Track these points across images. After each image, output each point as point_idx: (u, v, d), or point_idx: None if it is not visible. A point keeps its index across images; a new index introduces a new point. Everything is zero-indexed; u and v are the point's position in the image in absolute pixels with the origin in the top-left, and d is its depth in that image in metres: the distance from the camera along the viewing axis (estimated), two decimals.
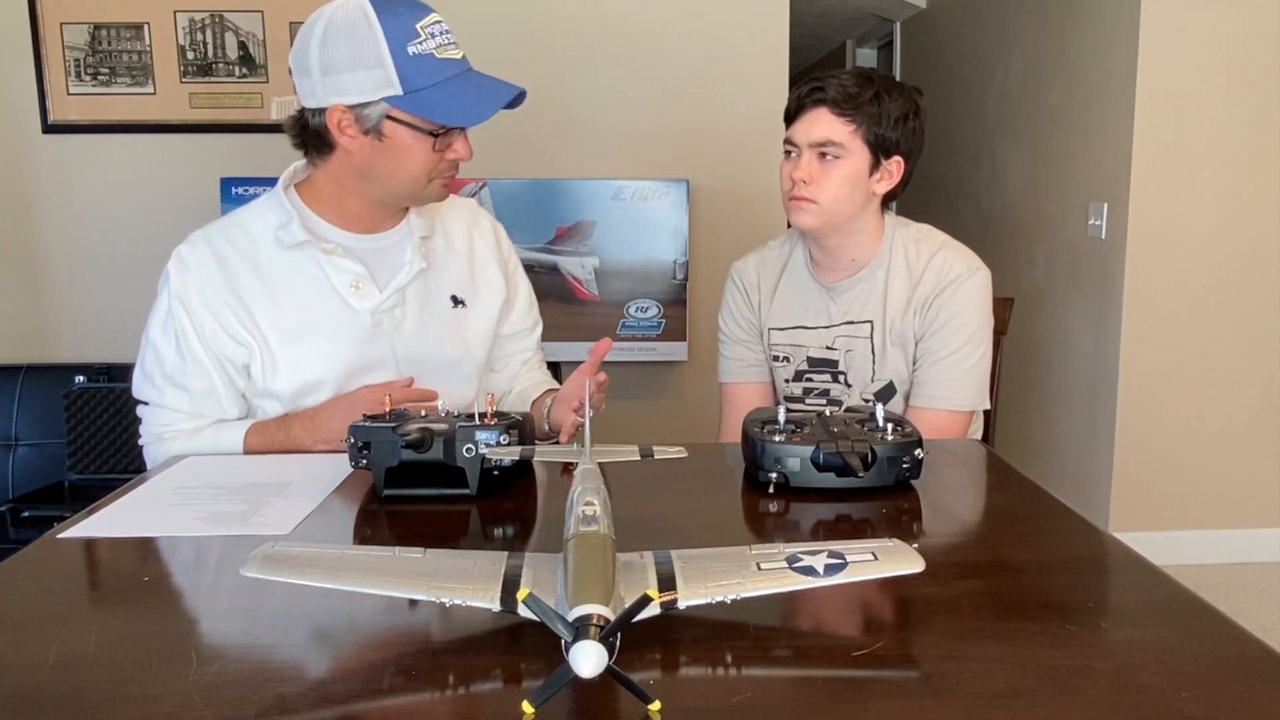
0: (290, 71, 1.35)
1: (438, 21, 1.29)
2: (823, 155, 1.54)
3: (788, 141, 1.58)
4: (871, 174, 1.56)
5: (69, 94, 2.87)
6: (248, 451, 1.34)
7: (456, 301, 1.47)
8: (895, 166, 1.57)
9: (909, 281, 1.59)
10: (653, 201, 2.90)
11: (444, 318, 1.45)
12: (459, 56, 1.30)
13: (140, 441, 1.41)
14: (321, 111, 1.30)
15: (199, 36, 2.88)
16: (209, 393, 1.36)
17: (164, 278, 1.36)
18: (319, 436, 1.29)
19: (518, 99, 1.32)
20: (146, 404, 1.40)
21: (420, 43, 1.25)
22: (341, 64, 1.26)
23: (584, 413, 1.16)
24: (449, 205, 1.54)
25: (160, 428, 1.38)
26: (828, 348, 1.64)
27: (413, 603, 0.77)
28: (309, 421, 1.31)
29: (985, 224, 4.01)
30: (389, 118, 1.28)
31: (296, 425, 1.32)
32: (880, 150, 1.54)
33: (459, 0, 2.88)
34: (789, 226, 1.63)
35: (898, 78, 5.23)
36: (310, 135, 1.35)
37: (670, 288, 2.94)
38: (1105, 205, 3.09)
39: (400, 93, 1.26)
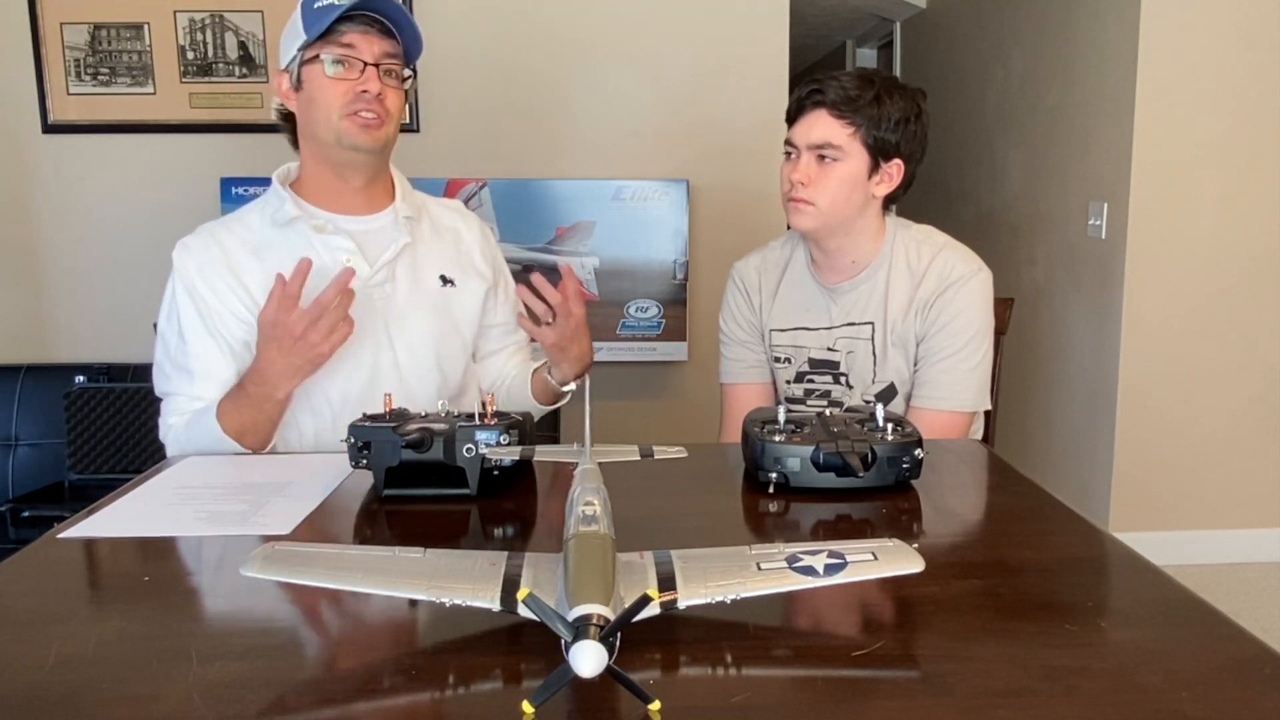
0: None
1: None
2: (821, 157, 1.53)
3: (788, 143, 1.58)
4: (870, 176, 1.56)
5: (69, 94, 2.87)
6: (226, 427, 1.34)
7: (445, 280, 1.53)
8: (895, 169, 1.57)
9: (910, 283, 1.59)
10: (653, 201, 2.90)
11: (433, 294, 1.51)
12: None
13: (160, 436, 1.44)
14: None
15: (199, 36, 2.88)
16: (206, 374, 1.40)
17: (171, 274, 1.43)
18: (277, 384, 1.31)
19: (408, 27, 1.40)
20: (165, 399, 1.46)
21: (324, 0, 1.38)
22: (281, 39, 1.44)
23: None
24: (435, 201, 1.62)
25: (172, 416, 1.42)
26: (829, 349, 1.64)
27: (413, 603, 0.77)
28: (258, 377, 1.31)
29: (985, 224, 4.01)
30: (302, 63, 1.40)
31: (250, 386, 1.33)
32: (879, 153, 1.54)
33: (459, 1, 2.89)
34: (789, 227, 1.63)
35: (898, 78, 5.21)
36: (287, 121, 1.48)
37: (670, 288, 2.94)
38: (1105, 205, 3.09)
39: (305, 37, 1.39)
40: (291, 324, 1.24)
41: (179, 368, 1.41)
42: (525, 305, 1.41)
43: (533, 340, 1.52)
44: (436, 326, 1.50)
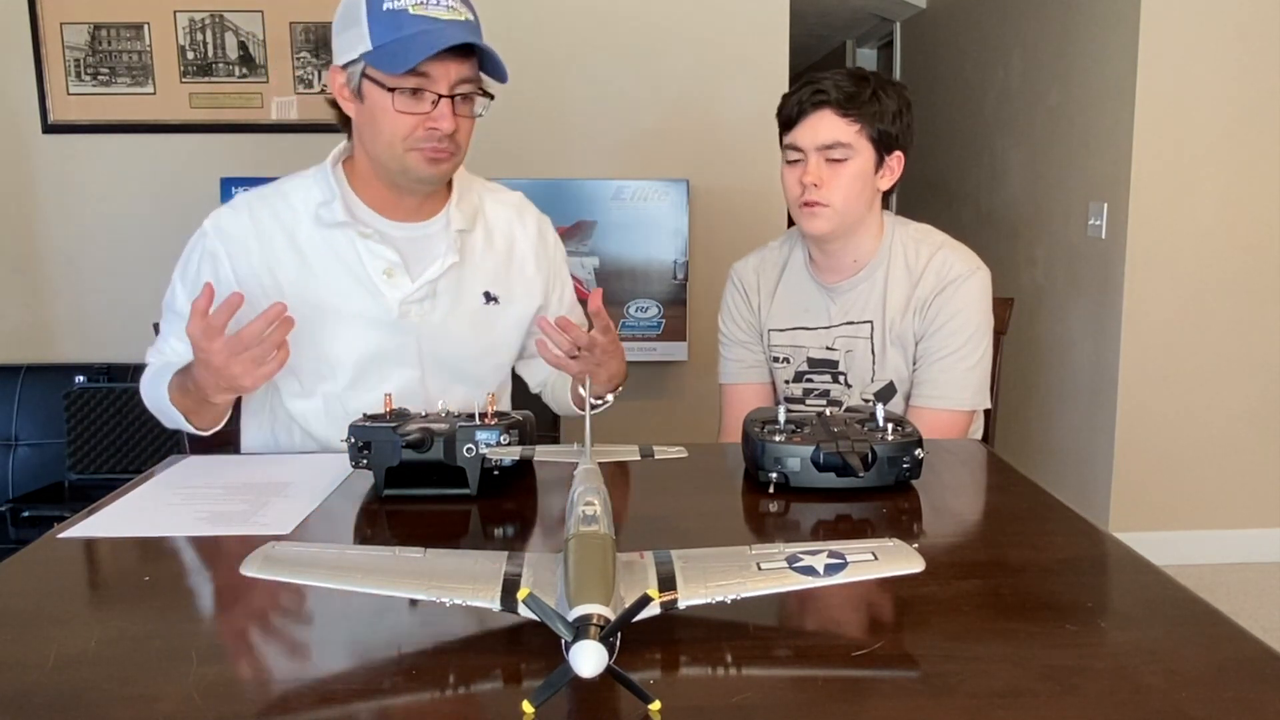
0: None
1: None
2: (830, 158, 1.53)
3: (792, 147, 1.56)
4: (876, 171, 1.56)
5: (69, 94, 2.87)
6: (174, 402, 1.30)
7: (489, 298, 1.45)
8: (896, 162, 1.57)
9: (909, 281, 1.59)
10: (653, 201, 2.90)
11: (474, 314, 1.44)
12: (443, 17, 1.26)
13: (146, 358, 1.43)
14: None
15: (199, 36, 2.88)
16: None
17: (199, 232, 1.38)
18: (210, 393, 1.24)
19: (490, 61, 1.29)
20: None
21: (396, 0, 1.25)
22: (339, 28, 1.31)
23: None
24: (494, 199, 1.52)
25: (152, 355, 1.41)
26: (828, 348, 1.64)
27: (413, 603, 0.77)
28: (194, 380, 1.24)
29: (985, 224, 4.01)
30: (365, 76, 1.28)
31: (189, 382, 1.26)
32: (883, 147, 1.54)
33: None
34: (789, 227, 1.63)
35: (898, 78, 5.21)
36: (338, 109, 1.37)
37: (670, 288, 2.94)
38: (1105, 205, 3.09)
39: (370, 48, 1.26)
40: (212, 353, 1.14)
41: (177, 315, 1.37)
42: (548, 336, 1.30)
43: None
44: (472, 348, 1.44)
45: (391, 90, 1.26)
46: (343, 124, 1.39)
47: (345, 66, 1.30)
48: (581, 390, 1.40)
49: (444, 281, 1.41)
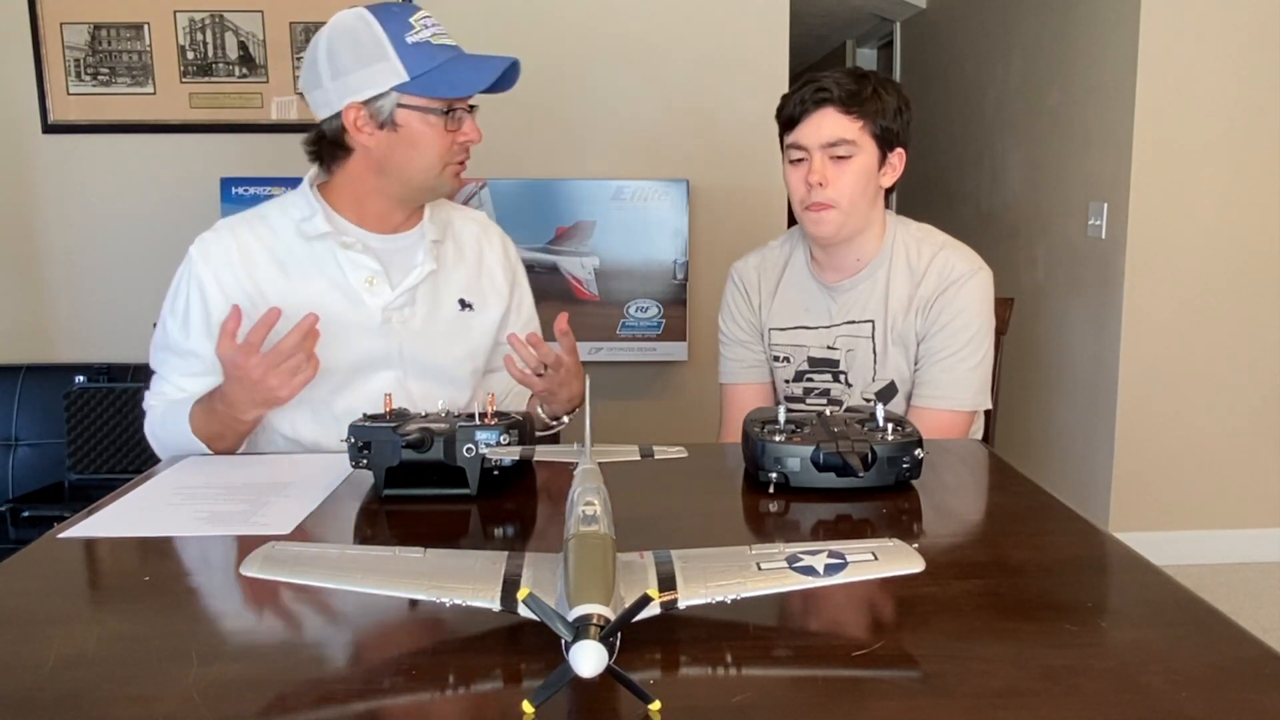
0: (301, 95, 1.40)
1: (426, 16, 1.38)
2: (834, 155, 1.53)
3: (795, 146, 1.55)
4: (879, 169, 1.56)
5: (69, 94, 2.87)
6: (196, 431, 1.32)
7: (464, 305, 1.51)
8: (898, 159, 1.57)
9: (910, 281, 1.59)
10: (653, 201, 2.90)
11: (450, 320, 1.49)
12: (453, 44, 1.39)
13: (143, 405, 1.44)
14: (337, 115, 1.37)
15: (199, 36, 2.88)
16: (201, 373, 1.38)
17: (185, 260, 1.41)
18: (242, 413, 1.28)
19: (512, 69, 1.39)
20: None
21: (416, 33, 1.34)
22: (349, 65, 1.34)
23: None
24: (461, 215, 1.59)
25: (154, 398, 1.42)
26: (829, 347, 1.64)
27: (413, 603, 0.77)
28: (224, 402, 1.28)
29: (985, 224, 4.01)
30: (400, 106, 1.35)
31: (218, 405, 1.30)
32: (885, 144, 1.54)
33: (459, 2, 2.89)
34: (789, 226, 1.63)
35: (898, 78, 5.21)
36: (327, 144, 1.41)
37: (670, 288, 2.94)
38: (1105, 205, 3.09)
39: (407, 79, 1.33)
40: (250, 368, 1.20)
41: (175, 354, 1.40)
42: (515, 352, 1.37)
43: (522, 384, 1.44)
44: (451, 352, 1.49)
45: (446, 113, 1.36)
46: (318, 157, 1.43)
47: (368, 101, 1.34)
48: (541, 409, 1.48)
49: (422, 288, 1.46)
